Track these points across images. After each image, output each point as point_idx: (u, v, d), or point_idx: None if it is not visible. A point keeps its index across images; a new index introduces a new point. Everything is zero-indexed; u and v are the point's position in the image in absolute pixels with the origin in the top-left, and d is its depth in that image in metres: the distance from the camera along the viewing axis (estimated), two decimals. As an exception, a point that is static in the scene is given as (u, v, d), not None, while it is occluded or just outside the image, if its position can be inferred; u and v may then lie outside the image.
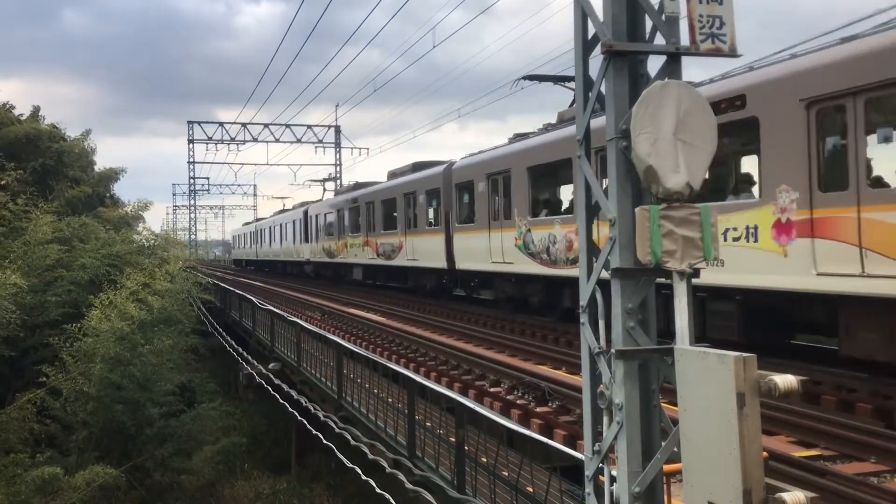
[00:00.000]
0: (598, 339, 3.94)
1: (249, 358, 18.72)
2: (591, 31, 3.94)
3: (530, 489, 6.18)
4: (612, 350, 3.77)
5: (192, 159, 51.33)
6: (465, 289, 22.61)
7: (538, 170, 15.81)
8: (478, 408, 7.13)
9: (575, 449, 6.05)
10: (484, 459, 6.87)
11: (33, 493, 12.80)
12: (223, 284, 31.58)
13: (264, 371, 16.52)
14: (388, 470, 8.41)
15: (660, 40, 3.80)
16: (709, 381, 3.30)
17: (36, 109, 30.16)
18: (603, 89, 3.89)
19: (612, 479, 3.90)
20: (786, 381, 3.19)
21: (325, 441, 11.34)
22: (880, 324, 8.42)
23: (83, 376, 15.54)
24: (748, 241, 9.87)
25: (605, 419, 3.88)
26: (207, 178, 64.72)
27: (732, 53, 3.81)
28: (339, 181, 48.46)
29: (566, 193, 16.58)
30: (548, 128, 16.22)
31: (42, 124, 29.07)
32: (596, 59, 3.93)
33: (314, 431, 12.09)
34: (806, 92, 9.01)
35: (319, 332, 13.84)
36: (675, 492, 4.05)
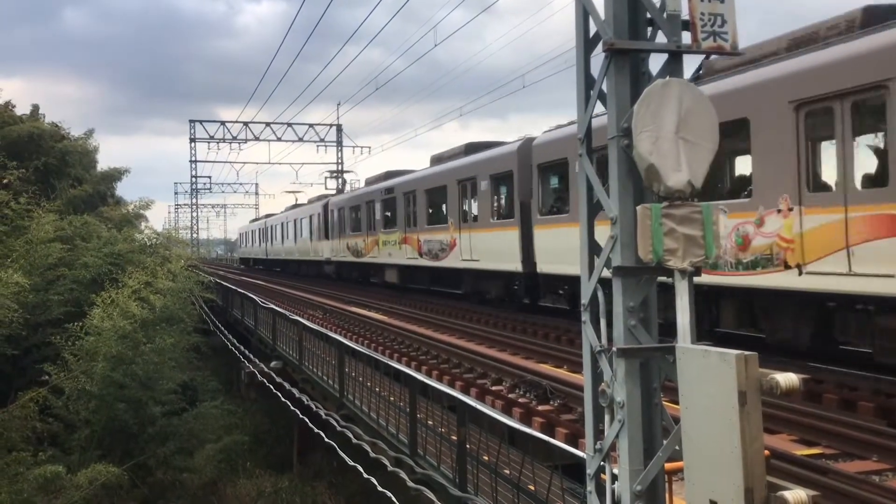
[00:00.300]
0: (599, 337, 3.94)
1: (251, 356, 18.70)
2: (593, 29, 3.94)
3: (532, 487, 6.17)
4: (614, 348, 3.77)
5: (193, 158, 51.27)
6: (548, 296, 17.93)
7: None
8: (479, 406, 7.13)
9: (576, 447, 6.04)
10: (486, 458, 6.87)
11: (36, 492, 12.82)
12: (225, 283, 31.49)
13: (266, 369, 16.49)
14: (390, 468, 8.41)
15: (661, 38, 3.80)
16: (710, 379, 3.30)
17: (35, 108, 30.16)
18: (604, 87, 3.89)
19: (614, 478, 3.89)
20: (787, 379, 3.19)
21: (326, 439, 11.33)
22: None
23: (85, 375, 15.59)
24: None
25: (607, 417, 3.88)
26: (209, 177, 64.62)
27: (734, 51, 3.81)
28: (340, 179, 48.39)
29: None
30: None
31: (43, 123, 29.07)
32: (597, 58, 3.94)
33: (316, 430, 12.08)
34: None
35: (321, 331, 13.84)
36: (677, 490, 4.06)
